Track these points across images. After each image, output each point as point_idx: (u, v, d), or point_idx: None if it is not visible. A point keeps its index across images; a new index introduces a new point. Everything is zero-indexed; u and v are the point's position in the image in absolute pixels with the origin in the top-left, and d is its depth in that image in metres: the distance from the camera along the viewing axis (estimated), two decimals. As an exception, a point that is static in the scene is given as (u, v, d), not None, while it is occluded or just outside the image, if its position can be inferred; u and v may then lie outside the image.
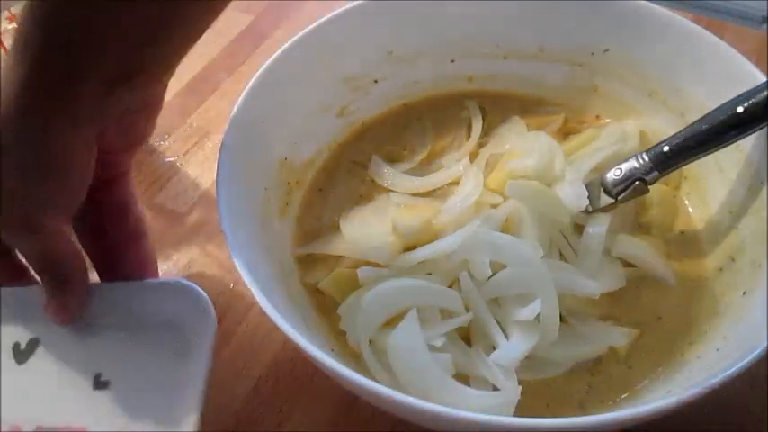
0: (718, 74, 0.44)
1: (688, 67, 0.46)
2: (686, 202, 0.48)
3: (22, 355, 0.45)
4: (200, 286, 0.48)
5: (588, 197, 0.44)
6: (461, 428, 0.34)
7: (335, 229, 0.47)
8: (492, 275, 0.41)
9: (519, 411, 0.37)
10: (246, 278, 0.35)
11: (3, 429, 0.42)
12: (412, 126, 0.53)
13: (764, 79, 0.41)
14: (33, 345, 0.45)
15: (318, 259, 0.46)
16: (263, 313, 0.35)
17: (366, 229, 0.46)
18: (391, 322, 0.40)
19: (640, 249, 0.44)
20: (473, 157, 0.50)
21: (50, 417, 0.42)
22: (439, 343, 0.39)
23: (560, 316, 0.40)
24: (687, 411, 0.31)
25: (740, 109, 0.40)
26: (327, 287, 0.44)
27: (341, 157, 0.51)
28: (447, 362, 0.38)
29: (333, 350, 0.41)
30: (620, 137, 0.49)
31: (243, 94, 0.43)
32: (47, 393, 0.43)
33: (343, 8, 0.48)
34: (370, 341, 0.40)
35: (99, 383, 0.43)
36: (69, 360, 0.44)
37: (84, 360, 0.44)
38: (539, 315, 0.39)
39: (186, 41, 0.36)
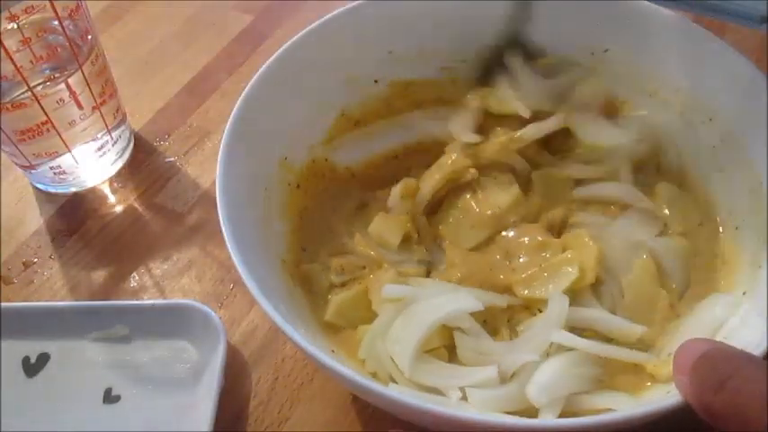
0: (719, 74, 0.44)
1: (688, 67, 0.46)
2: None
3: (32, 368, 0.45)
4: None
5: None
6: (462, 428, 0.34)
7: (338, 230, 0.47)
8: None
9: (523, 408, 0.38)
10: (246, 278, 0.35)
11: None
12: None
13: (764, 79, 0.41)
14: (44, 359, 0.46)
15: (318, 259, 0.46)
16: (263, 313, 0.35)
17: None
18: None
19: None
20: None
21: (59, 429, 0.43)
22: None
23: None
24: (687, 412, 0.31)
25: None
26: (334, 319, 0.43)
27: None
28: None
29: (333, 350, 0.40)
30: None
31: (243, 94, 0.43)
32: (56, 406, 0.44)
33: (343, 8, 0.48)
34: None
35: (110, 397, 0.44)
36: (80, 374, 0.45)
37: (95, 374, 0.45)
38: None
39: None
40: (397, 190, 0.48)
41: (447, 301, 0.41)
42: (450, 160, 0.48)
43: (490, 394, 0.38)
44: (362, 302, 0.43)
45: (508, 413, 0.37)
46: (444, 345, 0.41)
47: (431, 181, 0.48)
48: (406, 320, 0.40)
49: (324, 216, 0.48)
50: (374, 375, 0.40)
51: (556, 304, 0.40)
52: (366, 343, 0.41)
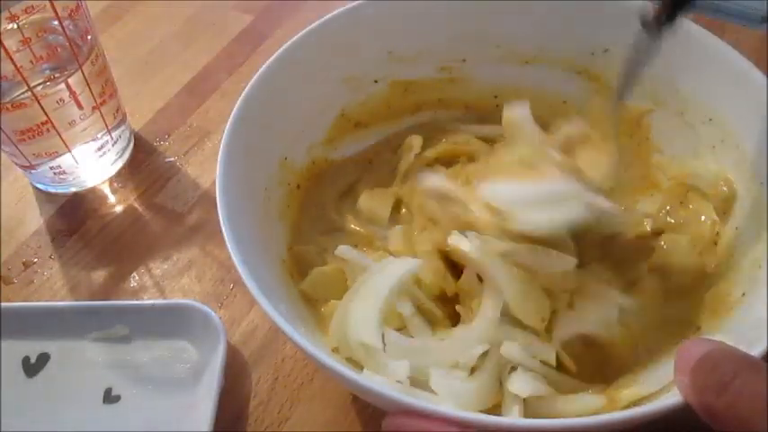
0: (719, 74, 0.44)
1: (688, 67, 0.46)
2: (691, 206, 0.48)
3: (32, 368, 0.45)
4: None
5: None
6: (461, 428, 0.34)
7: (337, 227, 0.48)
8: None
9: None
10: (246, 278, 0.35)
11: None
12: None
13: (764, 79, 0.41)
14: (44, 359, 0.46)
15: (312, 241, 0.46)
16: (263, 313, 0.35)
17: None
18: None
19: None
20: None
21: (59, 429, 0.43)
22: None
23: None
24: (687, 412, 0.31)
25: None
26: (309, 288, 0.43)
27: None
28: None
29: (333, 350, 0.40)
30: None
31: (243, 94, 0.43)
32: (56, 406, 0.44)
33: (343, 8, 0.48)
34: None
35: (110, 397, 0.44)
36: (80, 374, 0.45)
37: (95, 374, 0.45)
38: None
39: None
40: (419, 140, 0.50)
41: (395, 267, 0.41)
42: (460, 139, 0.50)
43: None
44: (340, 278, 0.43)
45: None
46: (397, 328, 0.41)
47: (436, 149, 0.50)
48: (363, 296, 0.40)
49: (319, 199, 0.49)
50: (349, 360, 0.40)
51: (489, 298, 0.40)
52: (333, 332, 0.41)
